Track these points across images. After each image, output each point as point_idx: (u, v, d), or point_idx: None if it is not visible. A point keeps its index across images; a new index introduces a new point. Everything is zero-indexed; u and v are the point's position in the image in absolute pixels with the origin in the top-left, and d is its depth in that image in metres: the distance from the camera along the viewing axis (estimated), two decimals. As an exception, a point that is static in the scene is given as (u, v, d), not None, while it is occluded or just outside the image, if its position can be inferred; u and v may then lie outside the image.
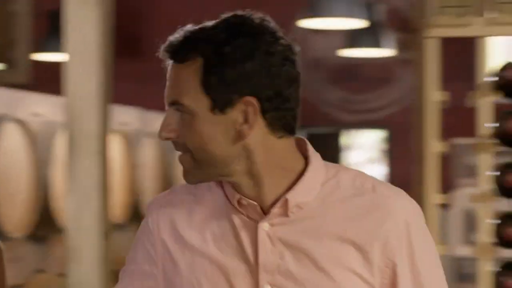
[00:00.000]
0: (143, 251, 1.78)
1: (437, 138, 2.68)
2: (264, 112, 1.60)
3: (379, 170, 10.59)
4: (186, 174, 1.67)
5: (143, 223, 1.78)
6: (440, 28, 2.60)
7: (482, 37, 2.70)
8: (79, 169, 2.65)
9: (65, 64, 2.66)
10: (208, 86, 1.59)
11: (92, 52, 2.61)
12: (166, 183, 5.74)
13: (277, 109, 1.61)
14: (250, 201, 1.65)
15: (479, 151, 2.75)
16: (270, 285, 1.65)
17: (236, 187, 1.66)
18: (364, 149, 10.55)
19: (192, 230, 1.71)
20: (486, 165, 2.75)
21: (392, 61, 7.77)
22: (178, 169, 5.94)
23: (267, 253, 1.65)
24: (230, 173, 1.64)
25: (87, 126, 2.62)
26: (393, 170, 8.90)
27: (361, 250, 1.62)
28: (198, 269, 1.69)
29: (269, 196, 1.64)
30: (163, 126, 1.63)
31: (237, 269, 1.66)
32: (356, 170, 1.72)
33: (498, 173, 2.78)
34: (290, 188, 1.63)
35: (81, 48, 2.61)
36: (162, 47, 1.62)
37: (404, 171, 8.89)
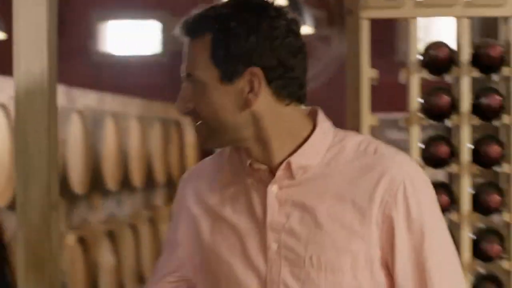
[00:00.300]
0: (174, 222, 1.93)
1: (370, 113, 2.84)
2: (269, 81, 1.72)
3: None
4: (202, 142, 1.78)
5: (175, 196, 1.93)
6: (372, 10, 2.76)
7: (412, 18, 2.87)
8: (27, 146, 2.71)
9: (16, 43, 2.72)
10: (216, 59, 1.70)
11: (41, 31, 2.68)
12: (93, 159, 5.80)
13: (282, 78, 1.72)
14: (260, 164, 1.76)
15: (408, 124, 2.93)
16: (276, 242, 1.75)
17: (248, 152, 1.78)
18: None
19: (212, 195, 1.82)
20: (414, 138, 2.93)
21: (310, 38, 7.94)
22: (105, 145, 6.02)
23: (274, 214, 1.75)
24: (241, 139, 1.75)
25: (37, 105, 2.70)
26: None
27: (359, 208, 1.72)
28: (216, 230, 1.81)
29: (276, 159, 1.75)
30: (180, 99, 1.76)
31: (248, 229, 1.77)
32: (363, 136, 1.83)
33: (424, 146, 2.97)
34: (295, 151, 1.75)
35: (31, 28, 2.68)
36: (178, 25, 1.76)
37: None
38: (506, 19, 2.95)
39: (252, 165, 1.78)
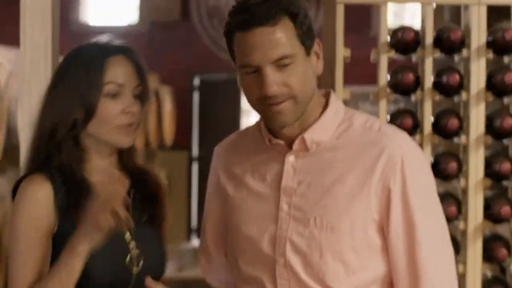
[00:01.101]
0: (209, 192, 2.12)
1: (343, 87, 3.14)
2: None
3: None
4: (284, 119, 1.89)
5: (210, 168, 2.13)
6: None
7: (383, 4, 3.17)
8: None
9: (22, 15, 3.01)
10: (301, 37, 1.88)
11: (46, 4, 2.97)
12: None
13: None
14: (278, 140, 1.95)
15: (377, 99, 3.23)
16: (287, 204, 1.92)
17: (269, 128, 1.96)
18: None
19: (237, 165, 2.03)
20: (383, 111, 3.23)
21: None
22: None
23: (288, 180, 1.93)
24: (306, 110, 1.92)
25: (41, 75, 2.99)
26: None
27: (362, 178, 1.89)
28: (238, 194, 2.00)
29: (295, 133, 1.94)
30: (272, 83, 1.85)
31: (265, 193, 1.95)
32: (369, 115, 1.99)
33: (391, 118, 3.27)
34: (309, 126, 1.93)
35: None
36: (240, 20, 1.86)
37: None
38: (466, 6, 3.25)
39: (271, 140, 1.95)
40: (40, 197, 1.92)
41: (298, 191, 1.91)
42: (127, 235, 1.99)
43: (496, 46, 3.19)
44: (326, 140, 1.93)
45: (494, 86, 3.19)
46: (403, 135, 1.95)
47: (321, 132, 1.93)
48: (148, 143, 7.58)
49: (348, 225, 1.87)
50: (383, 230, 1.92)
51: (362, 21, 7.99)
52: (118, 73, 1.99)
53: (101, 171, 2.02)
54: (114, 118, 1.97)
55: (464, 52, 3.22)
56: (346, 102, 3.24)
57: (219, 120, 8.81)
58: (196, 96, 9.13)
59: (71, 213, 1.93)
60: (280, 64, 1.85)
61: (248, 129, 2.08)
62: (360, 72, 5.87)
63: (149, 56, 8.60)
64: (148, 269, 1.99)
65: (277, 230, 1.91)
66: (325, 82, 3.23)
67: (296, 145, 1.93)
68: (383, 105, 3.20)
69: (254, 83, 1.87)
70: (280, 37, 1.85)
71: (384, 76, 3.20)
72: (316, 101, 1.95)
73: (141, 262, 1.99)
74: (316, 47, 1.93)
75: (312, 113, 1.95)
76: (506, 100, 3.26)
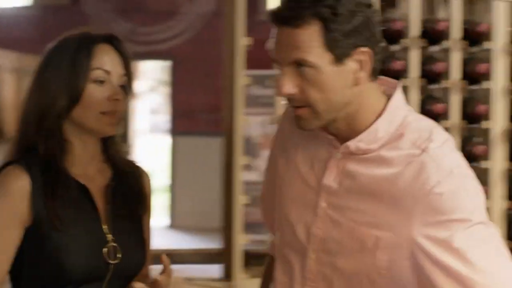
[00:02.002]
0: (269, 158, 2.05)
1: (245, 72, 3.35)
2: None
3: (160, 98, 11.09)
4: (304, 124, 1.80)
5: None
6: None
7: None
8: None
9: None
10: (330, 43, 1.73)
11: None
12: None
13: (376, 55, 1.78)
14: (330, 136, 1.83)
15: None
16: (326, 203, 1.85)
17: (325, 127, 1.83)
18: (148, 79, 10.97)
19: (293, 139, 1.93)
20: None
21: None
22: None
23: (330, 178, 1.84)
24: (337, 118, 1.79)
25: None
26: (175, 98, 9.35)
27: (394, 201, 1.76)
28: (287, 171, 1.93)
29: (343, 135, 1.81)
30: (285, 83, 1.75)
31: (310, 181, 1.88)
32: (426, 128, 1.81)
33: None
34: (358, 133, 1.80)
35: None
36: (270, 15, 1.77)
37: (186, 98, 9.51)
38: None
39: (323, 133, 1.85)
40: (15, 189, 1.93)
41: (338, 192, 1.84)
42: (105, 228, 1.97)
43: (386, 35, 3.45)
44: (375, 148, 1.81)
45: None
46: (448, 159, 1.79)
47: (368, 141, 1.81)
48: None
49: (373, 240, 1.78)
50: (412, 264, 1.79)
51: (253, 6, 8.19)
52: (105, 60, 1.97)
53: (83, 162, 2.01)
54: (100, 104, 1.94)
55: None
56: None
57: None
58: (87, 79, 9.13)
59: (47, 205, 1.93)
60: (300, 68, 1.75)
61: None
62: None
63: (41, 39, 8.57)
64: (126, 262, 1.96)
65: (313, 225, 1.86)
66: (226, 70, 3.43)
67: (342, 149, 1.83)
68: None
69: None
70: (302, 40, 1.74)
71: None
72: (367, 108, 1.82)
73: (119, 255, 1.96)
74: (360, 56, 1.76)
75: (363, 119, 1.82)
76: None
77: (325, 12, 1.72)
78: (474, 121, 3.60)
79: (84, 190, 1.97)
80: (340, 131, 1.81)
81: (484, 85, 3.61)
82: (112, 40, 2.01)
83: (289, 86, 1.74)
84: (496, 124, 3.64)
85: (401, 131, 1.80)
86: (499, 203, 3.71)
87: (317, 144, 1.87)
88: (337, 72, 1.75)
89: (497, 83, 3.61)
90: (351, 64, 1.75)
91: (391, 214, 1.76)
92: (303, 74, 1.74)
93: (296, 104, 1.77)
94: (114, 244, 1.97)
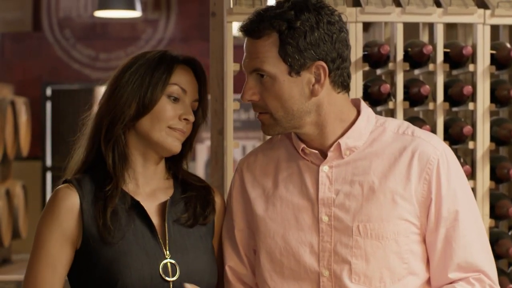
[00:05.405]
0: (233, 207, 2.03)
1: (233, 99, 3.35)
2: (329, 72, 1.88)
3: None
4: (266, 130, 1.92)
5: (231, 185, 2.07)
6: (236, 15, 3.21)
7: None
8: None
9: None
10: (284, 55, 1.84)
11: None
12: None
13: (339, 69, 1.89)
14: (312, 150, 1.92)
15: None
16: (327, 215, 1.89)
17: (301, 138, 1.93)
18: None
19: (267, 179, 1.97)
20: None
21: (138, 21, 8.29)
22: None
23: (325, 190, 1.90)
24: (301, 125, 1.88)
25: None
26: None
27: (401, 184, 1.89)
28: (271, 209, 1.95)
29: (328, 142, 1.91)
30: (246, 90, 1.88)
31: (302, 204, 1.91)
32: (401, 121, 1.99)
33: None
34: (343, 134, 1.91)
35: None
36: (239, 27, 1.91)
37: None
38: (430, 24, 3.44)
39: (304, 150, 1.93)
40: (64, 207, 1.91)
41: (337, 201, 1.89)
42: (162, 244, 1.93)
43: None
44: (360, 145, 1.91)
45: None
46: (436, 139, 1.94)
47: (355, 137, 1.91)
48: (5, 154, 7.51)
49: (392, 231, 1.86)
50: (424, 234, 1.92)
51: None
52: (184, 79, 1.96)
53: (142, 179, 1.98)
54: (170, 119, 1.93)
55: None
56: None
57: (72, 130, 8.78)
58: (48, 106, 9.10)
59: (97, 218, 1.90)
60: (261, 77, 1.86)
61: (272, 139, 2.05)
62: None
63: (2, 67, 8.53)
64: (186, 280, 1.92)
65: (320, 242, 1.89)
66: (214, 95, 3.42)
67: (331, 152, 1.91)
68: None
69: None
70: (261, 51, 1.86)
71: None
72: (336, 116, 1.91)
73: (178, 272, 1.93)
74: (317, 69, 1.87)
75: (345, 119, 1.93)
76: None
77: (282, 25, 1.84)
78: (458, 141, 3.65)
79: (138, 207, 1.94)
80: (312, 136, 1.92)
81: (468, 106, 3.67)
82: (194, 64, 2.00)
83: (250, 93, 1.88)
84: (479, 144, 3.69)
85: (381, 127, 1.94)
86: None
87: (299, 170, 1.94)
88: (293, 82, 1.86)
89: (482, 104, 3.67)
90: (307, 76, 1.87)
91: (399, 193, 1.90)
92: (263, 83, 1.86)
93: (258, 110, 1.89)
94: (172, 261, 1.92)
